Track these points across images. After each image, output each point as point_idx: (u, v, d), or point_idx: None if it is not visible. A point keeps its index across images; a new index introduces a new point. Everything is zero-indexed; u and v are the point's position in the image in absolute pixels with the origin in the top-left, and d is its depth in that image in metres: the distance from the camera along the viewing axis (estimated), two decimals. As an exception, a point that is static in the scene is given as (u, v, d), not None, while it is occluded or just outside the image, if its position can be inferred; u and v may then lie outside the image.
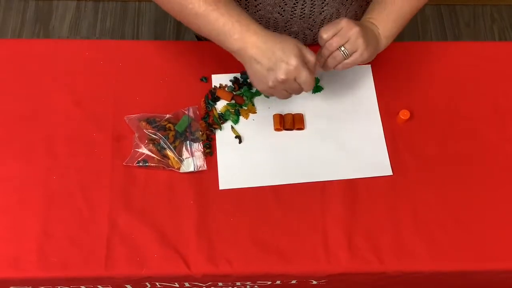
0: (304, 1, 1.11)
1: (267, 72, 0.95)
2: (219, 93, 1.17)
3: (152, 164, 1.10)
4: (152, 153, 1.11)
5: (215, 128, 1.15)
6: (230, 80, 1.19)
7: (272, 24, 1.17)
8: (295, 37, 1.22)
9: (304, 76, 0.94)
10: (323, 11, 1.15)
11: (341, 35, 0.99)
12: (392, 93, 1.20)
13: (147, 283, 1.06)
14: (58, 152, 1.11)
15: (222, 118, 1.16)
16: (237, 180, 1.10)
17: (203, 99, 1.17)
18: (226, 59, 1.21)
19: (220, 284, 1.08)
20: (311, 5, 1.12)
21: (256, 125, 1.16)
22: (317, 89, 1.19)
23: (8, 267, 1.01)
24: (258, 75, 0.97)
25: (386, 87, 1.21)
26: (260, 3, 1.12)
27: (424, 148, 1.14)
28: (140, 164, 1.10)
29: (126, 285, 1.07)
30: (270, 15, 1.14)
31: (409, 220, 1.07)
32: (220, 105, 1.17)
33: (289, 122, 1.15)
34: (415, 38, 2.24)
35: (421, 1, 1.10)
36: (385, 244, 1.05)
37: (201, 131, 1.14)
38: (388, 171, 1.12)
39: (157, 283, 1.07)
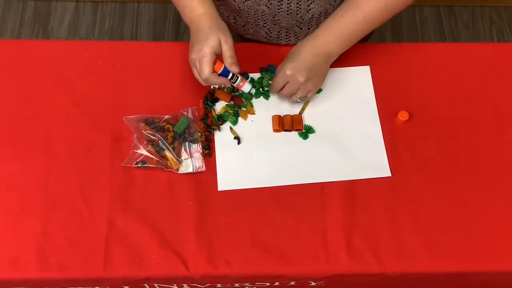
0: None
1: (191, 46, 1.08)
2: (218, 94, 1.17)
3: (151, 165, 1.10)
4: (151, 154, 1.11)
5: (214, 129, 1.15)
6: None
7: (260, 16, 1.18)
8: (287, 33, 1.23)
9: (203, 65, 1.05)
10: (310, 9, 1.16)
11: (290, 87, 1.11)
12: (391, 94, 1.20)
13: (145, 284, 1.06)
14: (57, 153, 1.11)
15: (221, 119, 1.16)
16: (236, 181, 1.10)
17: (202, 100, 1.17)
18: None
19: (219, 285, 1.08)
20: (297, 1, 1.14)
21: (255, 126, 1.16)
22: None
23: (7, 267, 1.01)
24: (190, 46, 1.09)
25: (385, 88, 1.21)
26: None
27: (423, 149, 1.14)
28: (139, 165, 1.10)
29: (124, 286, 1.06)
30: (258, 7, 1.16)
31: (408, 221, 1.07)
32: (219, 106, 1.17)
33: (288, 123, 1.15)
34: (414, 40, 2.24)
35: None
36: (384, 245, 1.05)
37: (200, 132, 1.14)
38: (387, 173, 1.12)
39: (156, 284, 1.07)
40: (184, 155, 1.11)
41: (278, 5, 1.14)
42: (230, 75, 1.08)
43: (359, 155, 1.14)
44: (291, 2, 1.14)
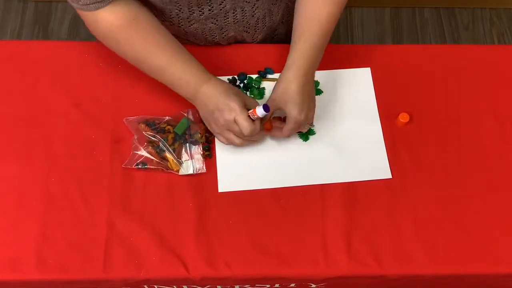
0: (235, 10, 1.13)
1: (212, 113, 1.05)
2: None
3: (151, 167, 1.10)
4: (151, 155, 1.11)
5: (214, 131, 1.15)
6: (228, 79, 1.19)
7: (208, 32, 1.19)
8: (234, 40, 1.25)
9: (242, 119, 1.02)
10: (255, 14, 1.17)
11: (307, 125, 1.11)
12: (392, 96, 1.20)
13: (145, 286, 1.06)
14: (57, 154, 1.11)
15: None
16: (236, 182, 1.10)
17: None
18: (224, 61, 1.22)
19: (218, 287, 1.08)
20: (241, 12, 1.15)
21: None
22: (317, 92, 1.19)
23: (6, 269, 1.01)
24: (206, 117, 1.08)
25: (386, 90, 1.21)
26: (193, 19, 1.14)
27: (423, 151, 1.14)
28: (139, 166, 1.10)
29: (124, 288, 1.06)
30: (205, 26, 1.16)
31: (409, 224, 1.07)
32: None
33: (289, 125, 1.15)
34: (415, 41, 2.24)
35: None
36: (384, 247, 1.05)
37: (200, 133, 1.13)
38: (388, 174, 1.12)
39: (155, 286, 1.06)
40: (184, 156, 1.11)
41: (225, 20, 1.15)
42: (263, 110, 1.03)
43: (359, 156, 1.14)
44: (236, 12, 1.14)
